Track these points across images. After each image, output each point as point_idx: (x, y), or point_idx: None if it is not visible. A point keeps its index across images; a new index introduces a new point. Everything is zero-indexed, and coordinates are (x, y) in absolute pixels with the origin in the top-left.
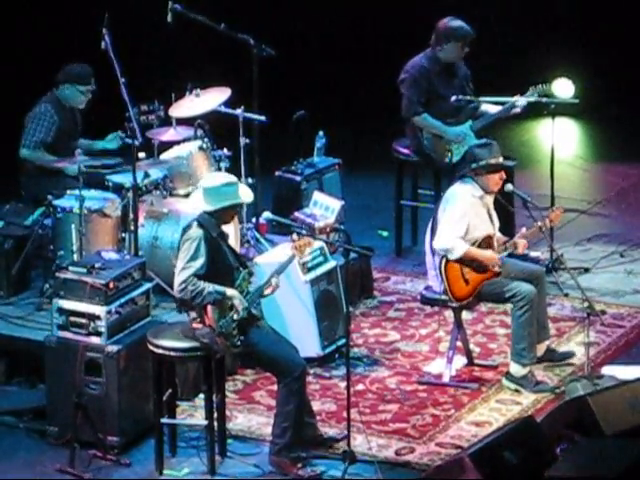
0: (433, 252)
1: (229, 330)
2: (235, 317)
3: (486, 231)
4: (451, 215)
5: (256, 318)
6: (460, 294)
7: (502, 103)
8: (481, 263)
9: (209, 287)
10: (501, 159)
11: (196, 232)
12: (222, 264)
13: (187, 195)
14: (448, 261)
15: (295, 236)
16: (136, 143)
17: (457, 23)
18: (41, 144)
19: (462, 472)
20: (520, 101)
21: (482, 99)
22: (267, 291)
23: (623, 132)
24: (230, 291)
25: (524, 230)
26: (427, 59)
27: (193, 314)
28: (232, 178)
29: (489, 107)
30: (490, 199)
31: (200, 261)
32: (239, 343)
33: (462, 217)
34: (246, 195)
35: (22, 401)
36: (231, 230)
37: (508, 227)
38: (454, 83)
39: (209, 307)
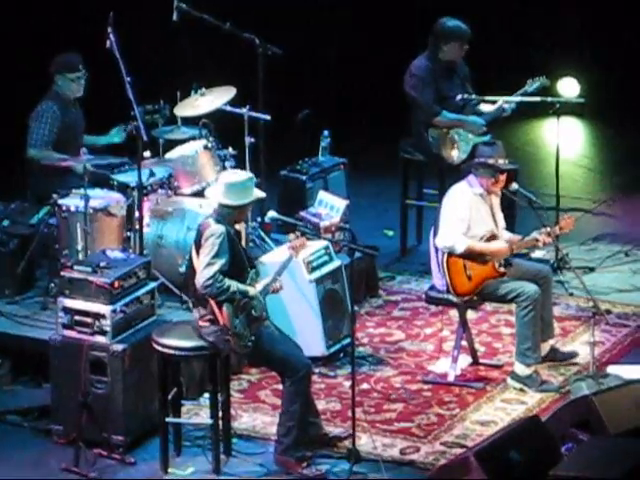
0: (437, 249)
1: (242, 329)
2: (253, 314)
3: (487, 229)
4: (451, 213)
5: (262, 318)
6: (462, 290)
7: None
8: (490, 255)
9: (234, 286)
10: (502, 161)
11: (220, 228)
12: (238, 263)
13: (192, 194)
14: (450, 255)
15: (292, 236)
16: (144, 138)
17: (455, 23)
18: (48, 142)
19: (467, 471)
20: (506, 103)
21: (485, 98)
22: (271, 289)
23: (628, 131)
24: (252, 290)
25: (535, 234)
26: (429, 59)
27: (201, 312)
28: (250, 174)
29: (484, 106)
30: (495, 199)
31: (225, 258)
32: (250, 343)
33: (462, 215)
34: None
35: (27, 400)
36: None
37: (512, 226)
38: (455, 82)
39: (225, 305)
